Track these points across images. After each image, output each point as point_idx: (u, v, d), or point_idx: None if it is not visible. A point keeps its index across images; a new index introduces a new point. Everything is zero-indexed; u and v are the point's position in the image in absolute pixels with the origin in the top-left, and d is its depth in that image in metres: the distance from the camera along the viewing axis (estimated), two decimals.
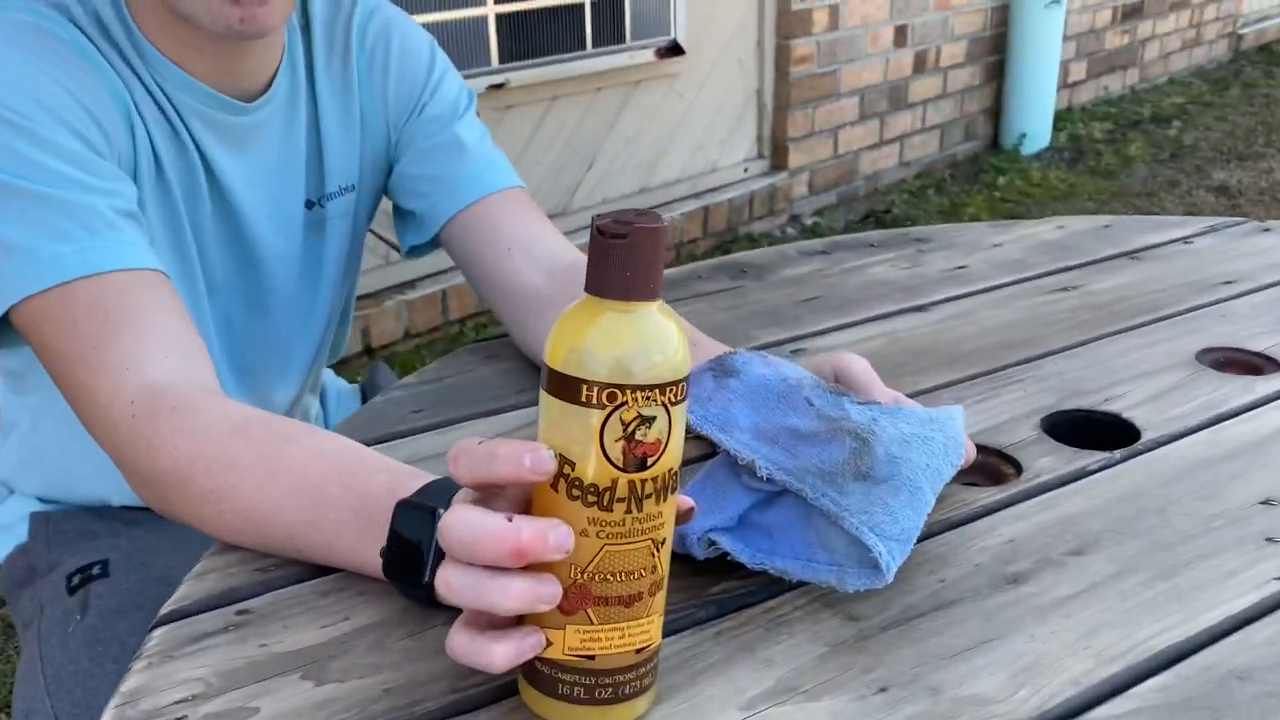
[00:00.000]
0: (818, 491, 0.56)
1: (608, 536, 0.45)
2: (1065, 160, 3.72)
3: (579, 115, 2.67)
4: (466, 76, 2.45)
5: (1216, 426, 0.77)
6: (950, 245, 1.20)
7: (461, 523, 0.44)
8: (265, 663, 0.54)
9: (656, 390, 0.44)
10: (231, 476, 0.61)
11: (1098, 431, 0.78)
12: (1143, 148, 3.81)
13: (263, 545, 0.62)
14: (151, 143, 0.77)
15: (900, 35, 3.30)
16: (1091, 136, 3.93)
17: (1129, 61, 4.41)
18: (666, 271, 1.19)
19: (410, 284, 2.46)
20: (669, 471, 0.46)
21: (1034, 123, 3.75)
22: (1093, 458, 0.73)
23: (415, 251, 0.94)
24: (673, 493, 0.46)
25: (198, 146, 0.80)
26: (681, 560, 0.62)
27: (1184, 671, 0.53)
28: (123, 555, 0.87)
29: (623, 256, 0.43)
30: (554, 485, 0.45)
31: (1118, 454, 0.73)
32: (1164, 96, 4.42)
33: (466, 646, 0.46)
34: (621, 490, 0.45)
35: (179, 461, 0.62)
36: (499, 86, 2.46)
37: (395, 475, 0.58)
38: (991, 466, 0.74)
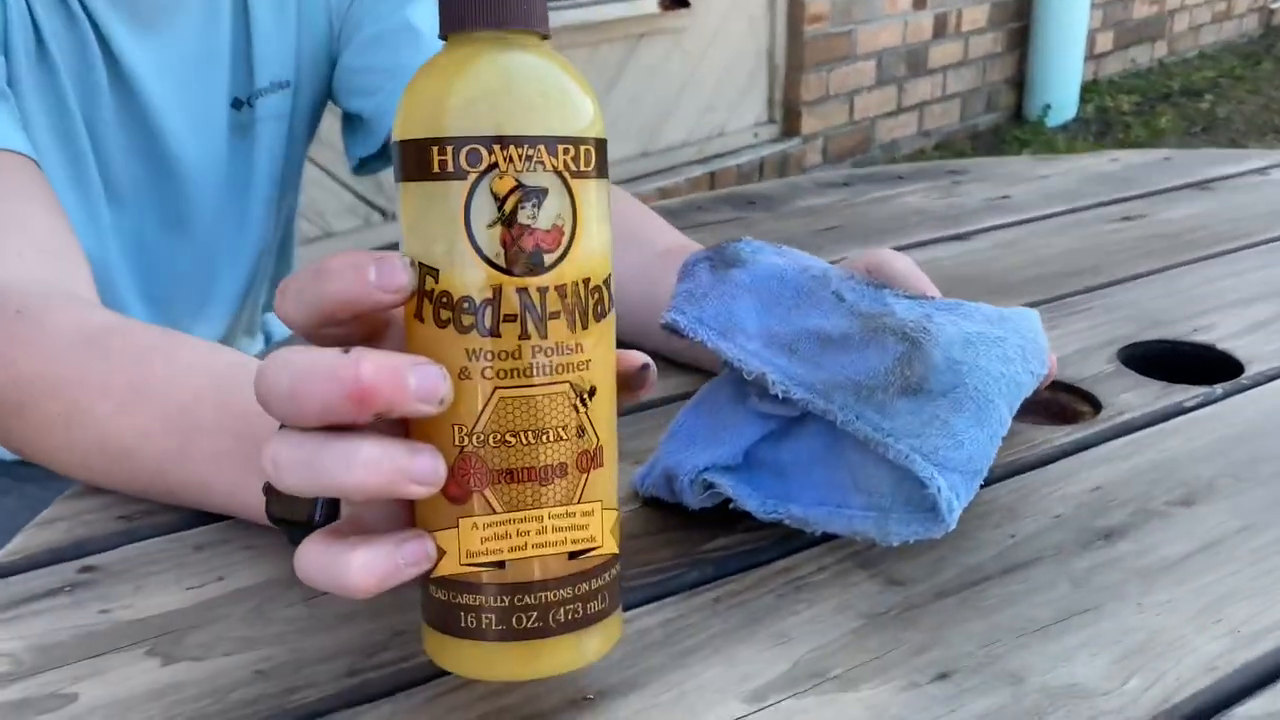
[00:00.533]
0: (851, 412, 0.42)
1: (499, 376, 0.31)
2: (1092, 133, 3.56)
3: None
4: None
5: None
6: (989, 177, 1.05)
7: (281, 364, 0.30)
8: (102, 633, 0.40)
9: (542, 146, 0.30)
10: (82, 396, 0.47)
11: (1187, 365, 0.63)
12: (1173, 120, 3.64)
13: (126, 484, 0.48)
14: (29, 7, 0.63)
15: None
16: (1119, 109, 3.76)
17: (1157, 33, 4.24)
18: (661, 201, 1.05)
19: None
20: (585, 283, 0.31)
21: (1059, 93, 3.58)
22: (1189, 393, 0.58)
23: (365, 166, 0.80)
24: (598, 319, 0.32)
25: (93, 21, 0.66)
26: (669, 511, 0.47)
27: None
28: None
29: None
30: (419, 313, 0.31)
31: (1219, 389, 0.59)
32: (1194, 70, 4.25)
33: (316, 561, 0.31)
34: (509, 303, 0.30)
35: (19, 379, 0.48)
36: None
37: None
38: (1063, 404, 0.59)
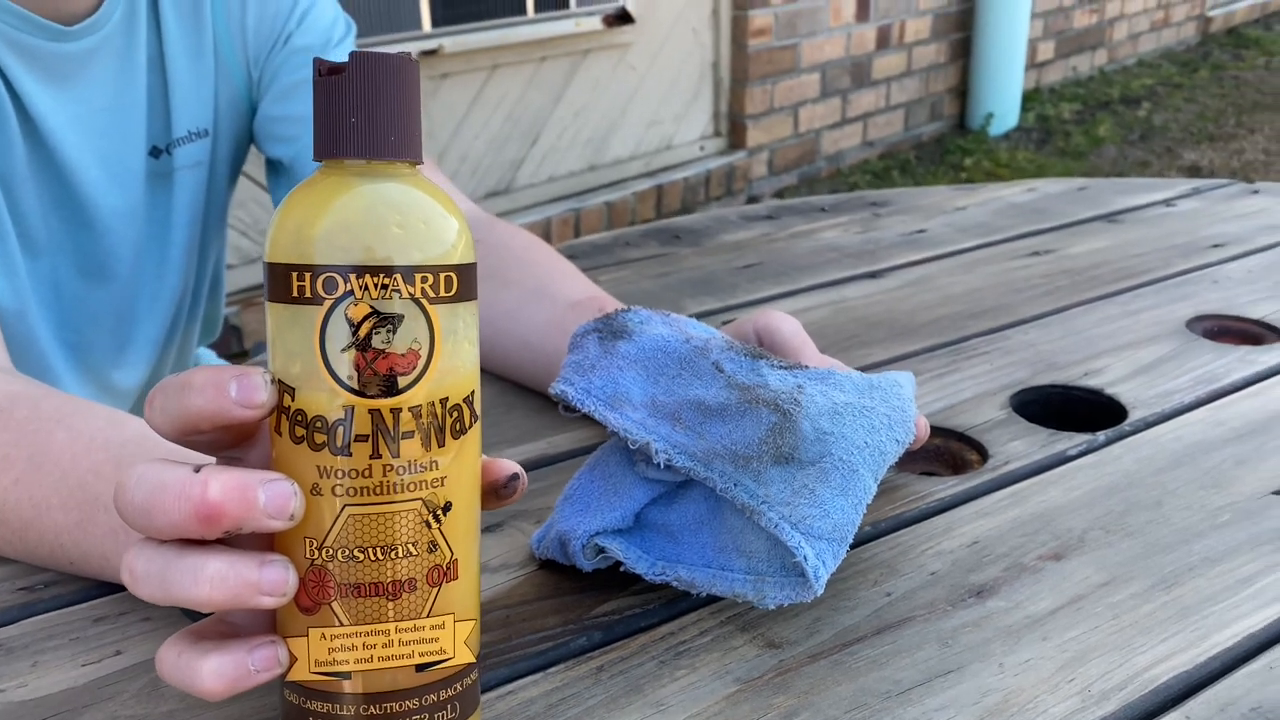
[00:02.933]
0: (729, 479, 0.44)
1: (349, 494, 0.32)
2: (1033, 141, 3.62)
3: (522, 86, 2.52)
4: (394, 41, 2.32)
5: (1215, 404, 0.65)
6: (909, 209, 1.08)
7: (139, 480, 0.31)
8: None
9: (399, 275, 0.32)
10: None
11: (1076, 411, 0.66)
12: (1112, 129, 3.72)
13: (28, 555, 0.49)
14: None
15: (863, 9, 3.18)
16: (1060, 117, 3.83)
17: (1097, 42, 4.33)
18: (589, 237, 1.07)
19: None
20: (443, 403, 0.33)
21: (1001, 103, 3.65)
22: (1072, 441, 0.61)
23: None
24: (456, 436, 0.33)
25: (4, 77, 0.66)
26: (562, 574, 0.49)
27: (1196, 712, 0.41)
28: None
29: (347, 98, 0.32)
30: (278, 427, 0.33)
31: (1101, 436, 0.61)
32: (1133, 78, 4.34)
33: (174, 662, 0.33)
34: (361, 424, 0.32)
35: None
36: (432, 53, 2.31)
37: None
38: (952, 452, 0.61)
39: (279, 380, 0.32)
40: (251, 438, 0.35)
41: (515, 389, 0.67)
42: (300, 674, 0.33)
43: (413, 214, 0.32)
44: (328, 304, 0.31)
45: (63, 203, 0.72)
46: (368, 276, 0.31)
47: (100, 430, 0.49)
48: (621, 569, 0.47)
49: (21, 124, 0.68)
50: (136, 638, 0.45)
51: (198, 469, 0.31)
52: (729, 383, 0.46)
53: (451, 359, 0.33)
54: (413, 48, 2.28)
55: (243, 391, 0.31)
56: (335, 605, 0.33)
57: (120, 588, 0.48)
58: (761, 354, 0.48)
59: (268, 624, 0.35)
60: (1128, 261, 0.90)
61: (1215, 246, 0.93)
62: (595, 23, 2.59)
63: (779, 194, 3.13)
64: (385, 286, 0.31)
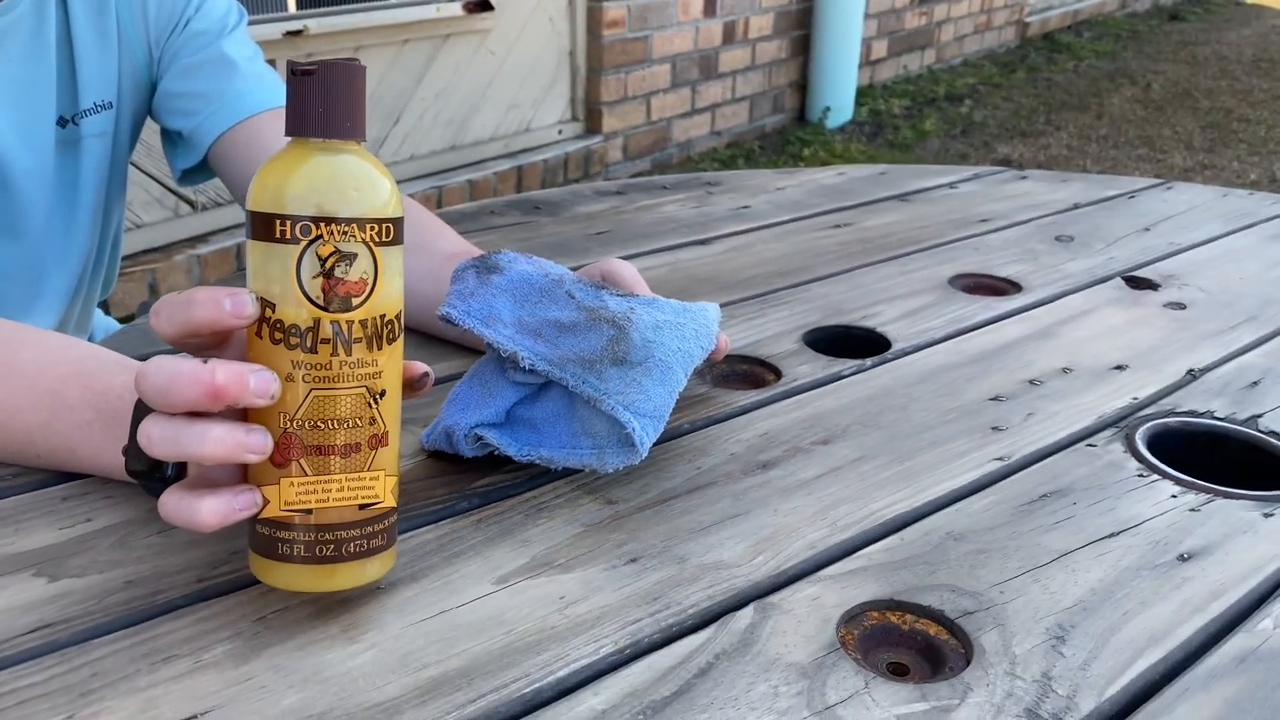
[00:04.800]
0: (578, 379, 0.58)
1: (314, 381, 0.45)
2: (865, 134, 3.90)
3: (384, 67, 2.60)
4: (261, 22, 2.36)
5: (960, 338, 0.83)
6: (738, 188, 1.24)
7: (157, 369, 0.43)
8: None
9: (354, 225, 0.44)
10: None
11: (854, 344, 0.83)
12: (936, 124, 4.03)
13: (0, 453, 0.59)
14: None
15: (710, 5, 3.37)
16: (890, 112, 4.13)
17: (926, 42, 4.66)
18: (458, 206, 1.19)
19: (203, 238, 2.35)
20: (381, 318, 0.46)
21: (837, 97, 3.90)
22: (846, 364, 0.78)
23: (188, 177, 0.90)
24: (390, 343, 0.46)
25: None
26: (448, 460, 0.62)
27: (908, 535, 0.57)
28: None
29: (315, 93, 0.44)
30: (259, 332, 0.45)
31: (869, 361, 0.78)
32: (957, 77, 4.69)
33: (175, 505, 0.45)
34: (325, 331, 0.45)
35: None
36: (297, 33, 2.37)
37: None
38: (754, 374, 0.77)
39: (261, 298, 0.44)
40: (225, 343, 0.47)
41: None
42: (271, 512, 0.46)
43: (364, 180, 0.45)
44: (303, 244, 0.44)
45: None
46: (333, 225, 0.44)
47: (60, 348, 0.59)
48: (495, 454, 0.61)
49: None
50: (103, 509, 0.56)
51: (205, 360, 0.43)
52: (578, 306, 0.61)
53: (388, 287, 0.46)
54: (278, 29, 2.33)
55: (236, 306, 0.44)
56: (301, 461, 0.45)
57: (78, 476, 0.59)
58: (603, 286, 0.63)
59: (239, 479, 0.47)
60: (911, 232, 1.09)
61: (982, 221, 1.13)
62: (456, 9, 2.68)
63: (633, 178, 3.29)
64: (345, 233, 0.44)
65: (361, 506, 0.47)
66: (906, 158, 3.63)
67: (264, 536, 0.47)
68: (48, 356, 0.58)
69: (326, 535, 0.46)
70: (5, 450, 0.58)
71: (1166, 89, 4.71)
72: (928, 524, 0.59)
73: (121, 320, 2.09)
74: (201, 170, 0.89)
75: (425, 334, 0.79)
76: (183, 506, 0.45)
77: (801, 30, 3.81)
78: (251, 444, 0.44)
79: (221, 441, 0.43)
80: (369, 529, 0.47)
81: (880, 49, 4.35)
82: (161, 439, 0.44)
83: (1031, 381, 0.76)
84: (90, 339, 1.03)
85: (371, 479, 0.47)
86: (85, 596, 0.50)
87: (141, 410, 0.51)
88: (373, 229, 0.45)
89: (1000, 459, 0.66)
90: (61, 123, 0.84)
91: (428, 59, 2.70)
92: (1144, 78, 4.90)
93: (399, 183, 2.74)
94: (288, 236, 0.44)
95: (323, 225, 0.44)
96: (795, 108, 3.92)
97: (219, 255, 2.33)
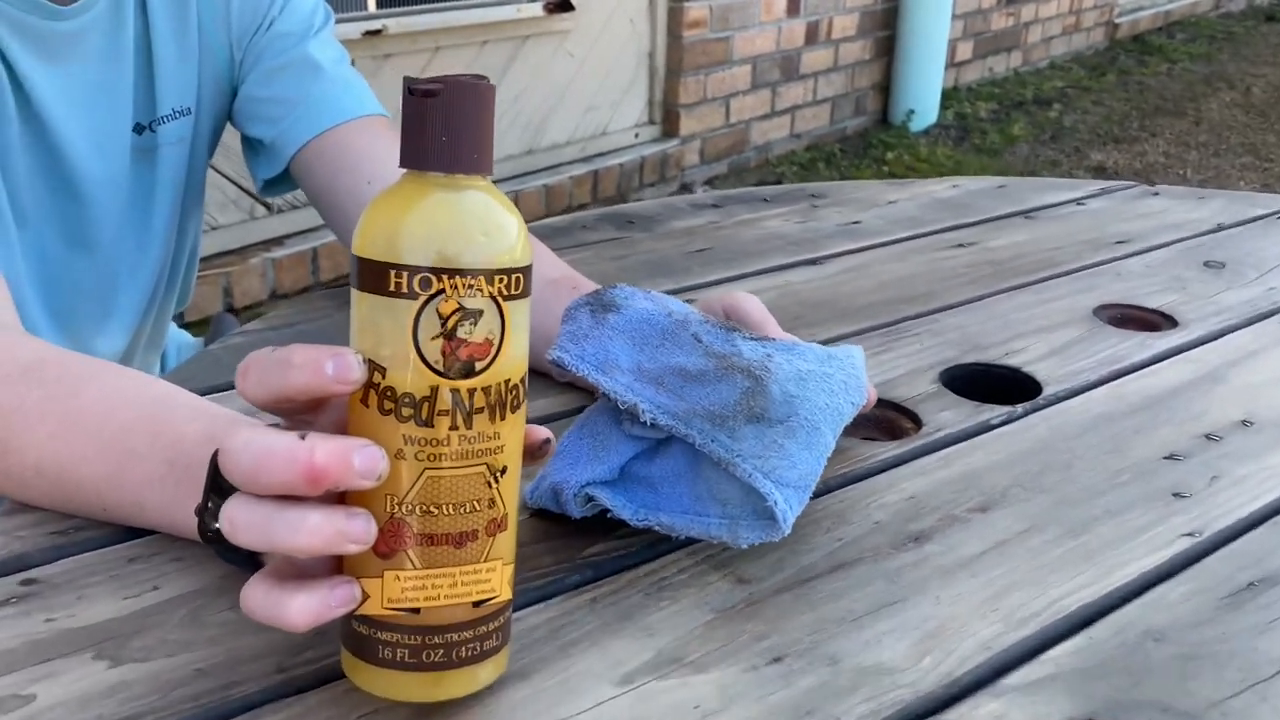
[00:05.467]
0: (707, 436, 0.50)
1: (429, 459, 0.38)
2: (951, 138, 3.77)
3: (462, 69, 2.54)
4: (340, 21, 2.31)
5: (1117, 381, 0.74)
6: (845, 201, 1.16)
7: (245, 445, 0.36)
8: (50, 641, 0.45)
9: (482, 277, 0.37)
10: (19, 423, 0.51)
11: (998, 385, 0.74)
12: (1025, 128, 3.88)
13: (62, 504, 0.53)
14: None
15: (793, 4, 3.27)
16: (977, 115, 3.99)
17: (1013, 43, 4.50)
18: (548, 220, 1.12)
19: (278, 241, 2.31)
20: (506, 384, 0.39)
21: (922, 100, 3.78)
22: (994, 412, 0.69)
23: (271, 188, 0.84)
24: (514, 411, 0.39)
25: (2, 54, 0.69)
26: (554, 520, 0.55)
27: (1098, 633, 0.49)
28: None
29: (437, 118, 0.37)
30: (365, 399, 0.38)
31: (1020, 408, 0.69)
32: (1045, 80, 4.53)
33: (261, 600, 0.38)
34: (443, 401, 0.37)
35: None
36: (376, 33, 2.33)
37: (214, 422, 0.49)
38: (890, 421, 0.69)
39: (369, 360, 0.37)
40: (324, 404, 0.40)
41: None
42: (372, 609, 0.39)
43: (492, 223, 0.38)
44: (422, 299, 0.36)
45: (50, 173, 0.75)
46: (457, 278, 0.37)
47: (131, 388, 0.53)
48: (608, 516, 0.53)
49: (17, 98, 0.71)
50: (172, 574, 0.50)
51: (303, 436, 0.36)
52: (707, 352, 0.53)
53: (515, 347, 0.39)
54: (358, 28, 2.29)
55: (339, 370, 0.36)
56: (410, 552, 0.38)
57: (146, 533, 0.52)
58: (734, 327, 0.55)
59: (333, 567, 0.40)
60: (1043, 254, 0.99)
61: (1119, 243, 1.03)
62: (536, 9, 2.63)
63: (709, 182, 3.21)
64: (470, 286, 0.37)
65: (476, 603, 0.40)
66: (995, 163, 3.49)
67: (361, 636, 0.40)
68: (115, 398, 0.52)
69: (435, 638, 0.39)
70: (70, 502, 0.52)
71: (1269, 93, 4.49)
72: (1119, 618, 0.50)
73: (194, 325, 2.06)
74: (284, 180, 0.83)
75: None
76: (269, 602, 0.38)
77: (886, 31, 3.69)
78: (353, 532, 0.37)
79: (319, 532, 0.36)
80: (483, 629, 0.40)
81: (966, 50, 4.21)
82: (248, 526, 0.37)
83: (1208, 436, 0.66)
84: (164, 354, 0.98)
85: (489, 570, 0.40)
86: (149, 688, 0.43)
87: (217, 469, 0.45)
88: (501, 281, 0.38)
89: (1190, 534, 0.56)
90: (138, 129, 0.78)
91: (507, 60, 2.64)
92: (1243, 81, 4.68)
93: None
94: (404, 290, 0.37)
95: (445, 278, 0.37)
96: (878, 110, 3.80)
97: (294, 259, 2.30)
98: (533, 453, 0.43)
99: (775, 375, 0.51)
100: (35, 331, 0.78)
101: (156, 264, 0.84)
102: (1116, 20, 5.20)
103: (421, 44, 2.43)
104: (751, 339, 0.54)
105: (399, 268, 0.36)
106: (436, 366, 0.37)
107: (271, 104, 0.80)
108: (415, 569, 0.39)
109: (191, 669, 0.44)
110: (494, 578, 0.40)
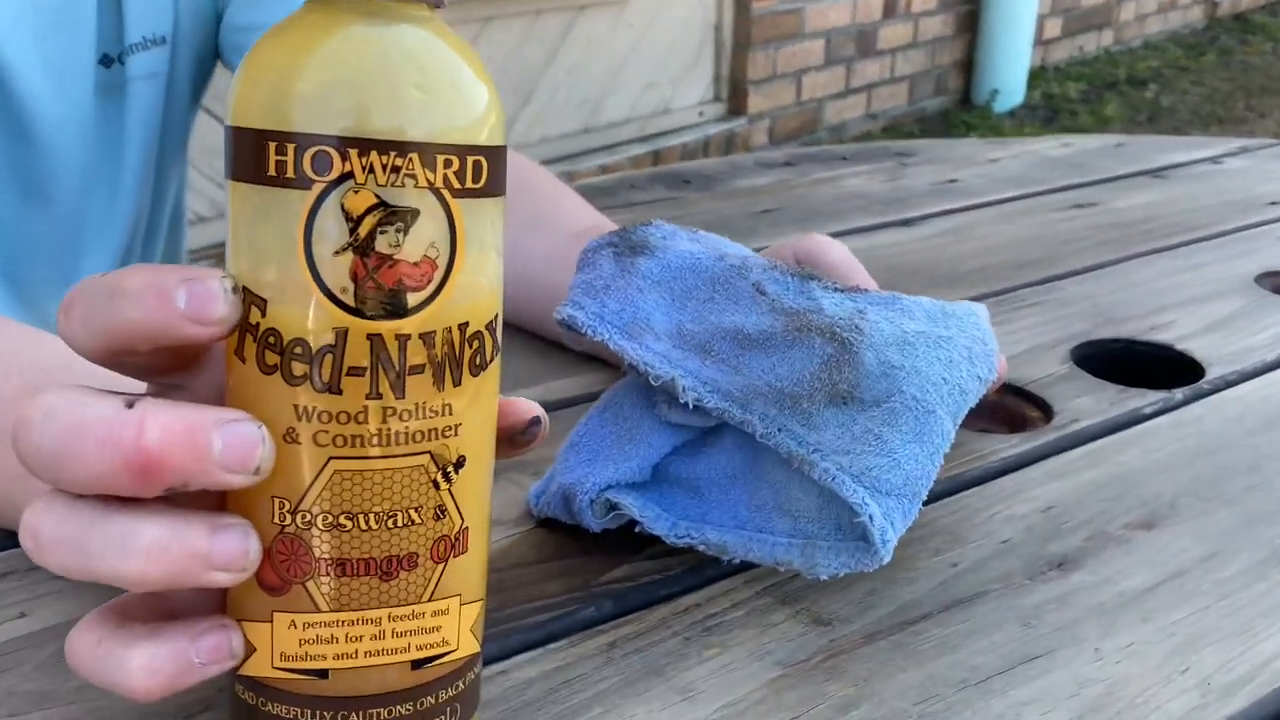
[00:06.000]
0: (773, 424, 0.36)
1: (336, 443, 0.24)
2: (1039, 118, 3.55)
3: (516, 41, 2.42)
4: None
5: None
6: (938, 159, 1.00)
7: (47, 415, 0.23)
8: None
9: (415, 155, 0.23)
10: None
11: (1144, 366, 0.59)
12: (1119, 109, 3.65)
13: None
14: None
15: None
16: (1066, 96, 3.76)
17: (1105, 21, 4.25)
18: (592, 179, 0.99)
19: None
20: (461, 329, 0.25)
21: (1007, 79, 3.56)
22: (1147, 398, 0.53)
23: None
24: (475, 373, 0.25)
25: None
26: (565, 534, 0.41)
27: None
28: None
29: None
30: (240, 351, 0.24)
31: (1179, 394, 0.54)
32: (1139, 59, 4.27)
33: (90, 653, 0.25)
34: (356, 353, 0.24)
35: None
36: None
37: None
38: (1011, 409, 0.54)
39: (244, 288, 0.24)
40: (199, 359, 0.27)
41: (509, 328, 0.59)
42: (259, 668, 0.25)
43: (437, 72, 0.24)
44: (318, 188, 0.23)
45: (1, 113, 0.63)
46: (374, 154, 0.23)
47: (16, 352, 0.41)
48: (636, 530, 0.40)
49: None
50: (47, 597, 0.37)
51: (130, 403, 0.23)
52: (773, 307, 0.38)
53: (475, 272, 0.25)
54: None
55: (195, 302, 0.23)
56: (311, 585, 0.25)
57: None
58: (812, 274, 0.40)
59: (214, 601, 0.27)
60: (1181, 217, 0.83)
61: (1272, 204, 0.86)
62: None
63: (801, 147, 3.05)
64: (397, 169, 0.23)
65: (416, 663, 0.26)
66: None
67: (247, 707, 0.26)
68: (1, 365, 0.40)
69: (355, 715, 0.26)
70: None
71: None
72: None
73: None
74: None
75: (543, 339, 0.59)
76: (101, 655, 0.25)
77: (969, 5, 3.48)
78: (219, 554, 0.24)
79: (161, 553, 0.23)
80: (429, 701, 0.26)
81: (1054, 28, 3.97)
82: (54, 542, 0.24)
83: None
84: None
85: (437, 614, 0.26)
86: None
87: None
88: (450, 165, 0.24)
89: None
90: (104, 61, 0.66)
91: (562, 32, 2.51)
92: None
93: None
94: (289, 174, 0.23)
95: (355, 154, 0.23)
96: (959, 89, 3.59)
97: None
98: (513, 438, 0.29)
99: (870, 338, 0.36)
100: None
101: (128, 221, 0.72)
102: None
103: (472, 13, 2.31)
104: (837, 290, 0.40)
105: (280, 137, 0.23)
106: (343, 297, 0.23)
107: (255, 32, 0.67)
108: (321, 611, 0.25)
109: None
110: (444, 624, 0.26)
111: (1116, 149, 1.04)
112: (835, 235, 0.78)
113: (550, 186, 0.63)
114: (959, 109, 3.58)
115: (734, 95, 2.86)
